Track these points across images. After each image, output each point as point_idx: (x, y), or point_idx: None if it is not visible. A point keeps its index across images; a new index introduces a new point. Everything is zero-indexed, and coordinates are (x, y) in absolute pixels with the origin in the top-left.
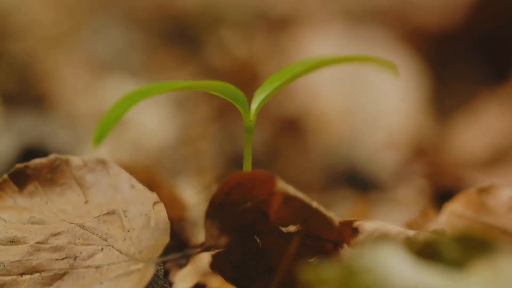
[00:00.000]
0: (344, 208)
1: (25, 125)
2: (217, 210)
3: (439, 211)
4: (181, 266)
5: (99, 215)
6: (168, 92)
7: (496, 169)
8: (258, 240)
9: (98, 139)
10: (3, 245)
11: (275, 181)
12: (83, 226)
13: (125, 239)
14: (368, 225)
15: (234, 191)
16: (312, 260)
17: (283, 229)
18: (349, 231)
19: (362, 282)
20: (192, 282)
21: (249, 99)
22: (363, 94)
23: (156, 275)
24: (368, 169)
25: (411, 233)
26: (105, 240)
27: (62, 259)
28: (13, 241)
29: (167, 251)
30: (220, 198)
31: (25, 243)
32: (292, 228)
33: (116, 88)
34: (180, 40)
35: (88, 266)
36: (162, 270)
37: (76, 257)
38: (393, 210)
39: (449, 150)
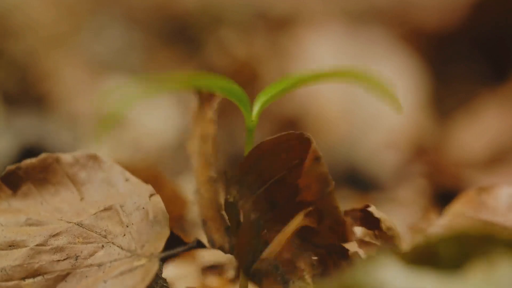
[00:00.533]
0: (344, 208)
1: (25, 125)
2: (248, 169)
3: (440, 212)
4: (179, 264)
5: (96, 212)
6: (170, 90)
7: (496, 169)
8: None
9: (100, 136)
10: (2, 250)
11: (310, 140)
12: (82, 225)
13: (124, 235)
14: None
15: (267, 154)
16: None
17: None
18: (347, 225)
19: None
20: (192, 281)
21: (249, 99)
22: (363, 93)
23: (156, 274)
24: (368, 169)
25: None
26: (105, 237)
27: (64, 260)
28: (12, 245)
29: (168, 246)
30: (252, 160)
31: (25, 246)
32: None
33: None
34: (180, 40)
35: (90, 265)
36: (162, 269)
37: (77, 256)
38: (393, 210)
39: (449, 150)
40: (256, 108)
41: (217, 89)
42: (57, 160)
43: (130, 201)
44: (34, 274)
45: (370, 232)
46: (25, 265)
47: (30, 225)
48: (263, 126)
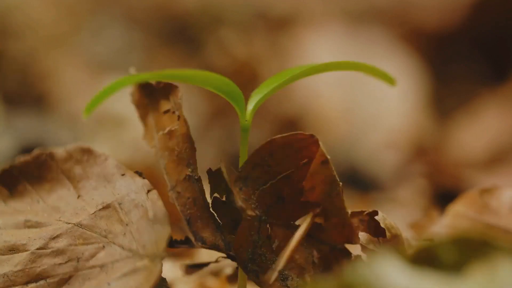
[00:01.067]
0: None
1: (25, 125)
2: (251, 169)
3: (441, 212)
4: (179, 264)
5: (95, 211)
6: (160, 80)
7: (496, 169)
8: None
9: (88, 110)
10: (3, 255)
11: (318, 142)
12: (81, 225)
13: (125, 234)
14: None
15: (277, 151)
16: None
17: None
18: (353, 227)
19: None
20: (192, 281)
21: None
22: (363, 93)
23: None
24: (368, 169)
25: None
26: (105, 237)
27: (65, 262)
28: (13, 250)
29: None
30: (259, 158)
31: (26, 250)
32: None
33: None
34: (180, 40)
35: (93, 266)
36: (162, 269)
37: (79, 258)
38: (393, 210)
39: (449, 150)
40: (250, 107)
41: (211, 88)
42: (51, 156)
43: (128, 198)
44: (37, 278)
45: (374, 239)
46: (27, 270)
47: (29, 227)
48: (263, 126)
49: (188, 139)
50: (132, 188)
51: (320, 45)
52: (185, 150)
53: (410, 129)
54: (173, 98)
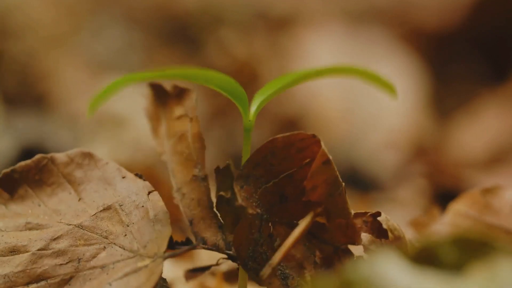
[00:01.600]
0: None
1: (25, 125)
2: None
3: (442, 211)
4: (179, 264)
5: (96, 213)
6: (163, 79)
7: (496, 169)
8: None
9: (92, 109)
10: (4, 256)
11: (320, 142)
12: (82, 226)
13: (125, 234)
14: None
15: (280, 150)
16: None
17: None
18: (356, 228)
19: None
20: (191, 281)
21: (249, 99)
22: (363, 93)
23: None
24: (368, 169)
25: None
26: (106, 237)
27: (66, 263)
28: (13, 251)
29: (167, 246)
30: (260, 157)
31: (26, 251)
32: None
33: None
34: (180, 40)
35: (94, 267)
36: (163, 269)
37: (80, 259)
38: (394, 210)
39: (449, 150)
40: (253, 108)
41: (215, 87)
42: (52, 160)
43: (129, 199)
44: (37, 279)
45: (377, 240)
46: (28, 271)
47: (30, 229)
48: (263, 126)
49: (199, 139)
50: (133, 190)
51: (320, 45)
52: (195, 150)
53: (410, 129)
54: (187, 102)
